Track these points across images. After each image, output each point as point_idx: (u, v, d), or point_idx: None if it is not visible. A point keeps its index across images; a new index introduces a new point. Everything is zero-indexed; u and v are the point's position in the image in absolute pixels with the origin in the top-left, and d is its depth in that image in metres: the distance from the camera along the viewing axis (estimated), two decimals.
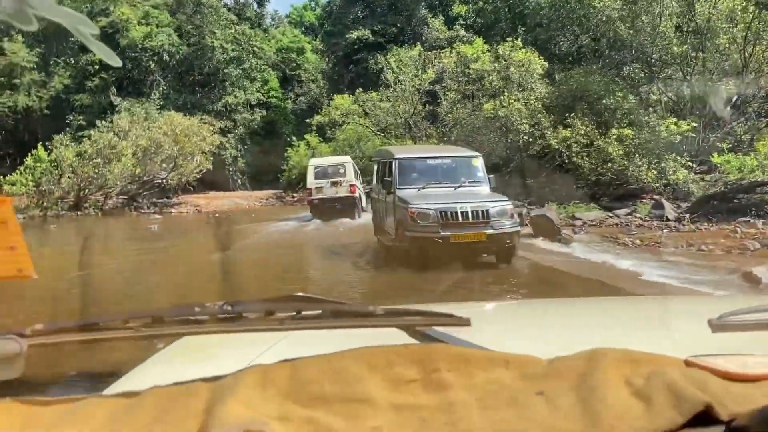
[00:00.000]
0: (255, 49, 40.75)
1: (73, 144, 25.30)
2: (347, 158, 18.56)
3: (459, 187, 9.56)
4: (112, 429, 0.62)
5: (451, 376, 0.67)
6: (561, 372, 0.67)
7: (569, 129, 22.17)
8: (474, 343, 0.85)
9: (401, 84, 28.30)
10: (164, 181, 25.07)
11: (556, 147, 22.59)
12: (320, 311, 0.86)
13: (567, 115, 22.70)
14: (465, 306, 1.97)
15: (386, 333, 0.84)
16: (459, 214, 8.53)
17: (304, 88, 48.63)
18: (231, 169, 39.45)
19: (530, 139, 23.72)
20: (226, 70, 38.62)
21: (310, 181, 16.96)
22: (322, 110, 31.72)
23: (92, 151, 23.42)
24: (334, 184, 17.00)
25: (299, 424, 0.60)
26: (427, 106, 27.54)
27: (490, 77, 27.00)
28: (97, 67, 36.99)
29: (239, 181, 40.05)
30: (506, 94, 24.69)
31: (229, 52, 38.53)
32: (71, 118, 34.82)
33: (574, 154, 21.92)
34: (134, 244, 13.98)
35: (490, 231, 8.56)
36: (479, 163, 10.28)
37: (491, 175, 10.40)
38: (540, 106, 24.38)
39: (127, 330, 0.80)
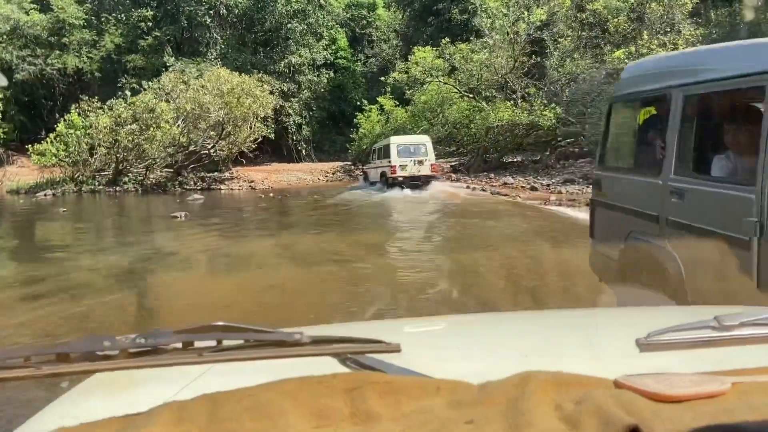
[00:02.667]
0: (321, 1, 35.81)
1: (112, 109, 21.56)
2: (426, 137, 19.42)
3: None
4: None
5: (379, 406, 0.66)
6: (491, 397, 0.67)
7: None
8: (406, 368, 0.85)
9: (498, 30, 22.63)
10: (211, 151, 20.91)
11: None
12: (242, 341, 0.81)
13: None
14: (397, 324, 1.97)
15: (315, 360, 0.81)
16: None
17: (375, 49, 43.73)
18: (294, 138, 35.26)
19: None
20: (289, 26, 34.04)
21: (394, 159, 17.55)
22: (397, 68, 26.57)
23: (127, 116, 19.59)
24: (417, 162, 17.91)
25: None
26: (532, 57, 21.77)
27: (617, 19, 20.91)
28: (150, 24, 33.51)
29: (303, 151, 35.79)
30: (645, 38, 18.57)
31: (293, 4, 33.85)
32: (123, 80, 31.51)
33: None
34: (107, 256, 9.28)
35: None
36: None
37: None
38: None
39: (27, 368, 0.73)
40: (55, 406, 1.06)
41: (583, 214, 13.18)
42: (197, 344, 0.80)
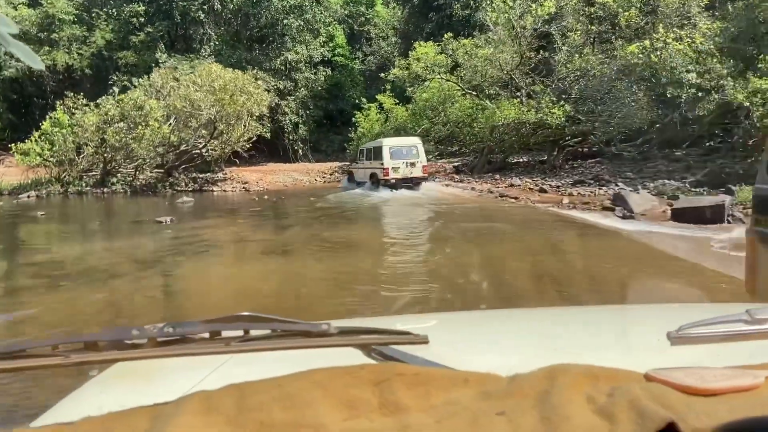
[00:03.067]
0: None
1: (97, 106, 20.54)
2: (417, 139, 19.28)
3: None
4: None
5: (408, 398, 0.66)
6: (522, 390, 0.66)
7: (765, 78, 15.12)
8: (432, 360, 0.85)
9: (504, 25, 21.70)
10: (203, 151, 19.93)
11: (744, 103, 15.58)
12: (269, 331, 0.81)
13: (758, 55, 15.67)
14: (423, 318, 1.96)
15: (341, 352, 0.81)
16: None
17: (373, 47, 42.81)
18: (291, 137, 34.27)
19: (699, 93, 16.79)
20: (285, 21, 33.05)
21: (387, 161, 17.51)
22: (397, 64, 25.62)
23: (114, 114, 18.58)
24: (409, 165, 17.93)
25: None
26: (540, 52, 20.85)
27: (628, 12, 20.01)
28: (142, 19, 32.50)
29: (300, 151, 34.80)
30: (661, 31, 17.68)
31: None
32: (114, 77, 30.49)
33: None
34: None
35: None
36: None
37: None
38: (712, 47, 17.27)
39: (56, 357, 0.74)
40: (77, 395, 1.05)
41: (613, 221, 12.26)
42: (224, 334, 0.80)
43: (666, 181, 17.22)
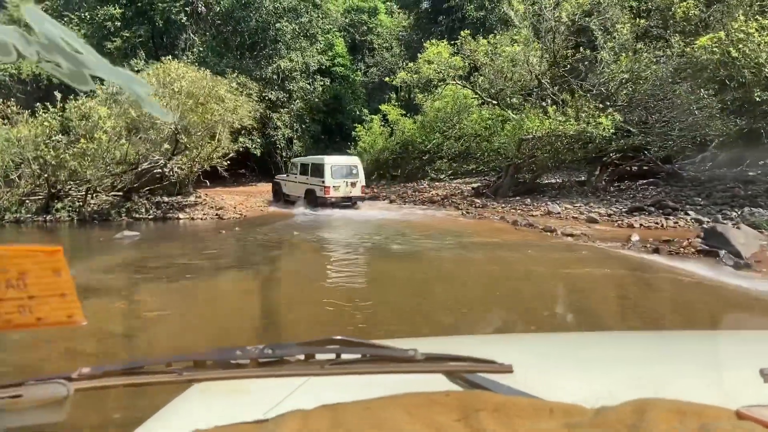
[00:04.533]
0: None
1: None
2: (357, 159, 19.39)
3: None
4: None
5: (493, 426, 0.67)
6: (608, 423, 0.65)
7: None
8: (517, 389, 0.86)
9: (532, 19, 18.01)
10: (165, 170, 16.12)
11: None
12: (360, 355, 0.85)
13: None
14: (509, 340, 1.91)
15: (426, 377, 0.83)
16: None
17: (376, 57, 39.35)
18: (284, 154, 30.52)
19: None
20: (278, 25, 29.54)
21: (329, 180, 17.64)
22: (403, 68, 21.98)
23: (53, 124, 14.91)
24: (350, 184, 18.04)
25: None
26: (580, 50, 17.09)
27: (686, 2, 16.35)
28: (118, 24, 29.07)
29: None
30: (741, 19, 13.94)
31: (282, 1, 29.41)
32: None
33: None
34: None
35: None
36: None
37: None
38: None
39: (169, 374, 0.81)
40: (173, 407, 1.09)
41: (726, 275, 8.39)
42: (318, 356, 0.83)
43: (753, 209, 13.38)
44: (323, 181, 17.62)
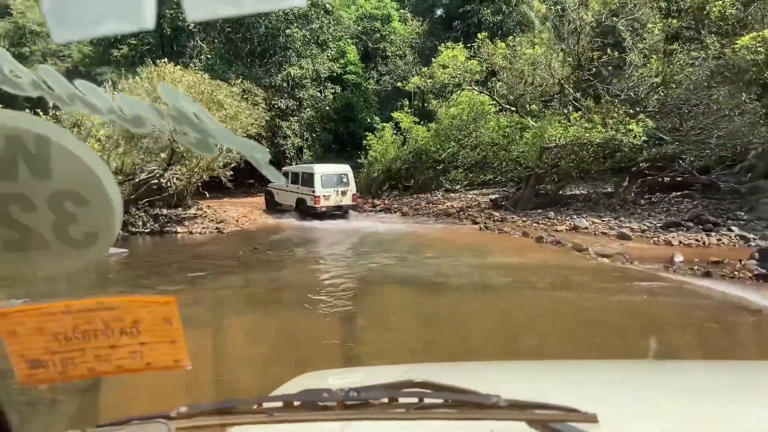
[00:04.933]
0: (327, 4, 30.47)
1: None
2: (347, 167, 18.76)
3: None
4: None
5: None
6: None
7: None
8: None
9: (555, 19, 16.86)
10: (162, 180, 15.14)
11: None
12: (443, 400, 0.85)
13: None
14: (595, 376, 1.71)
15: (509, 422, 0.82)
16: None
17: (389, 65, 38.36)
18: (294, 163, 29.63)
19: None
20: (288, 32, 28.70)
21: (319, 189, 17.45)
22: (417, 73, 20.91)
23: None
24: (340, 193, 17.85)
25: None
26: (607, 52, 15.86)
27: (724, 0, 15.10)
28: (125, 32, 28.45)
29: None
30: None
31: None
32: None
33: None
34: None
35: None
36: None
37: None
38: None
39: (261, 414, 0.83)
40: None
41: None
42: (401, 400, 0.84)
43: None
44: (313, 191, 17.43)
